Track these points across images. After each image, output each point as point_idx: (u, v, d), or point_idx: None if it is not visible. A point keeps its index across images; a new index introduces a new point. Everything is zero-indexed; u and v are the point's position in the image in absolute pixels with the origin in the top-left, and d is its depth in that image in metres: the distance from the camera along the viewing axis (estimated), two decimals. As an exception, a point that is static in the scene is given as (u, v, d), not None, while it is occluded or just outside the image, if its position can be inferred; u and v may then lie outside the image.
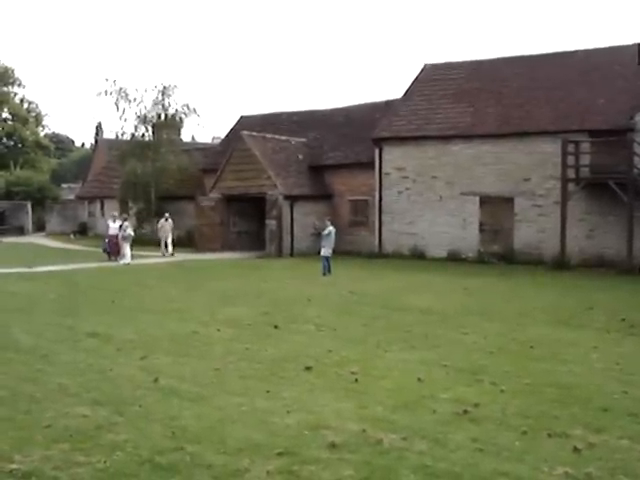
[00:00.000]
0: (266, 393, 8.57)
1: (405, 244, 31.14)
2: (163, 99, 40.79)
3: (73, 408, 7.90)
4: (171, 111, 41.11)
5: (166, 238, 32.53)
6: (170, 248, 32.45)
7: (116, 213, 33.44)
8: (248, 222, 36.27)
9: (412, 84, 34.07)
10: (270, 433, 7.05)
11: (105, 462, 6.24)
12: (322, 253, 23.97)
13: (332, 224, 24.80)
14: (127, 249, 28.38)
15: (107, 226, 31.06)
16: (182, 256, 31.27)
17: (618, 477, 5.99)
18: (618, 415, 7.73)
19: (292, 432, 7.09)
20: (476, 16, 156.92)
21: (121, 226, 29.09)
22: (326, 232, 24.11)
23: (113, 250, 29.65)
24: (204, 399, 8.33)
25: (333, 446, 6.65)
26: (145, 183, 40.06)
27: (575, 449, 6.61)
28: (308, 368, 9.85)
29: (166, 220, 33.00)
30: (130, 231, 29.29)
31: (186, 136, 61.89)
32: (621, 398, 8.41)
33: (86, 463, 6.23)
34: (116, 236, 29.51)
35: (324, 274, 23.34)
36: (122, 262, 27.78)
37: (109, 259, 29.24)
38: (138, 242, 33.81)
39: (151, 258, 30.33)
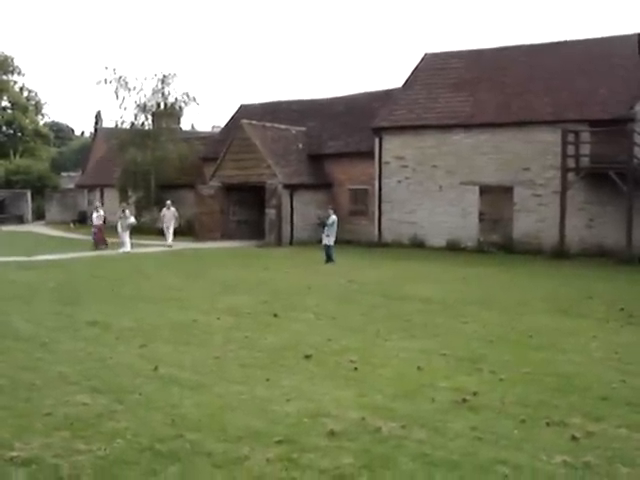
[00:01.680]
0: (266, 381, 8.59)
1: (405, 233, 31.16)
2: (163, 88, 40.78)
3: (73, 396, 7.92)
4: (171, 100, 41.13)
5: (168, 227, 31.64)
6: (169, 239, 31.46)
7: (99, 203, 33.46)
8: (248, 211, 36.25)
9: (412, 73, 34.01)
10: (270, 421, 7.08)
11: (105, 450, 6.27)
12: (326, 242, 24.03)
13: (334, 213, 24.91)
14: (127, 238, 28.37)
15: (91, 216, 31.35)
16: (182, 245, 31.24)
17: (616, 466, 6.01)
18: (617, 404, 7.76)
19: (292, 420, 7.11)
20: (477, 5, 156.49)
21: (123, 216, 29.06)
22: (330, 221, 24.21)
23: (97, 239, 29.82)
24: (204, 387, 8.35)
25: (332, 434, 6.67)
26: (145, 172, 40.03)
27: (573, 438, 6.63)
28: (308, 356, 9.87)
29: (168, 208, 32.15)
30: (132, 220, 29.31)
31: (186, 125, 61.98)
32: (620, 387, 8.43)
33: (86, 451, 6.25)
34: (99, 225, 29.93)
35: (328, 262, 23.52)
36: (121, 250, 27.77)
37: (98, 247, 29.38)
38: (138, 231, 33.81)
39: (151, 247, 30.33)
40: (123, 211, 29.63)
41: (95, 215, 30.57)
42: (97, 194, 49.45)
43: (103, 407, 7.54)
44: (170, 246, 30.66)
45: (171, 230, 31.57)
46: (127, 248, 27.99)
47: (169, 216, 31.86)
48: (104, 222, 30.83)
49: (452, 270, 21.94)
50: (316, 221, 30.18)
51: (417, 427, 6.90)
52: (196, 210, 35.78)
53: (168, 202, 32.77)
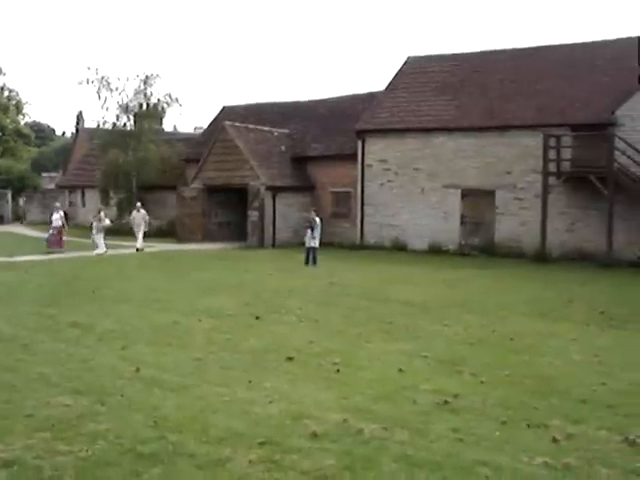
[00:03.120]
0: (248, 383, 8.59)
1: (387, 236, 31.24)
2: (145, 88, 40.57)
3: (54, 397, 7.88)
4: (153, 100, 40.90)
5: (137, 231, 30.07)
6: (139, 242, 29.66)
7: (58, 204, 32.65)
8: (230, 213, 36.18)
9: (395, 76, 34.14)
10: (252, 423, 7.08)
11: (87, 451, 6.25)
12: (312, 244, 24.09)
13: (317, 215, 25.15)
14: (101, 239, 27.86)
15: (50, 218, 30.50)
16: (163, 246, 31.13)
17: (596, 467, 6.07)
18: (597, 406, 7.83)
19: (274, 422, 7.12)
20: (460, 9, 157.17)
21: (99, 218, 28.60)
22: (318, 223, 24.40)
23: (54, 241, 28.90)
24: (186, 389, 8.34)
25: (314, 436, 6.69)
26: (126, 173, 39.78)
27: (554, 439, 6.69)
28: (290, 359, 9.88)
29: (138, 211, 30.81)
30: (107, 222, 28.87)
31: (168, 126, 61.58)
32: (600, 390, 8.51)
33: (68, 452, 6.23)
34: (59, 227, 29.19)
35: (308, 264, 23.69)
36: (95, 252, 27.35)
37: (52, 250, 28.27)
38: (119, 232, 33.68)
39: (131, 249, 30.12)
40: (98, 212, 29.25)
41: (55, 216, 29.62)
42: (78, 195, 49.13)
43: (85, 408, 7.50)
44: (140, 249, 29.28)
45: (141, 233, 30.09)
46: (100, 250, 27.54)
47: (139, 219, 30.52)
48: (63, 224, 29.78)
49: (434, 273, 22.03)
50: (305, 224, 29.70)
51: (399, 429, 6.93)
52: (178, 212, 35.66)
53: (138, 204, 31.82)
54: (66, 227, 29.99)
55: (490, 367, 9.56)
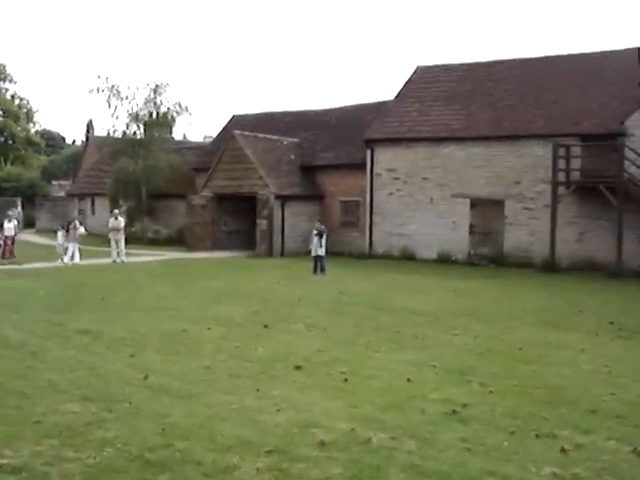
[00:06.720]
0: (256, 392, 8.58)
1: (395, 245, 31.21)
2: (155, 97, 40.69)
3: (63, 404, 7.89)
4: (163, 109, 40.99)
5: (116, 240, 28.32)
6: (114, 254, 28.09)
7: (11, 212, 32.07)
8: (239, 221, 36.17)
9: (404, 86, 34.16)
10: (260, 431, 7.07)
11: (95, 458, 6.25)
12: (319, 253, 24.22)
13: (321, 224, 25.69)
14: (75, 248, 27.32)
15: (2, 226, 29.55)
16: (172, 255, 31.16)
17: (605, 478, 6.04)
18: (606, 417, 7.79)
19: (282, 430, 7.11)
20: (470, 19, 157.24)
21: (74, 226, 28.08)
22: (325, 232, 24.80)
23: (5, 251, 28.30)
24: (194, 397, 8.34)
25: (322, 444, 6.67)
26: (136, 181, 39.91)
27: (563, 450, 6.65)
28: (298, 367, 9.87)
29: (115, 218, 29.03)
30: (81, 230, 28.18)
31: (178, 134, 61.79)
32: (609, 400, 8.47)
33: (76, 459, 6.23)
34: (11, 237, 28.64)
35: (316, 273, 23.92)
36: (65, 260, 26.72)
37: (5, 260, 27.51)
38: (126, 241, 33.65)
39: (141, 257, 30.21)
40: (73, 220, 28.84)
41: (8, 225, 28.86)
42: (88, 203, 49.29)
43: (93, 415, 7.51)
44: (116, 261, 27.76)
45: (122, 244, 28.55)
46: (70, 260, 26.74)
47: (116, 227, 28.67)
48: (15, 233, 29.22)
49: (442, 282, 22.00)
50: (314, 232, 29.16)
51: (407, 438, 6.91)
52: (187, 220, 35.72)
53: (115, 211, 30.61)
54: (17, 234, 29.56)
55: (499, 377, 9.54)
